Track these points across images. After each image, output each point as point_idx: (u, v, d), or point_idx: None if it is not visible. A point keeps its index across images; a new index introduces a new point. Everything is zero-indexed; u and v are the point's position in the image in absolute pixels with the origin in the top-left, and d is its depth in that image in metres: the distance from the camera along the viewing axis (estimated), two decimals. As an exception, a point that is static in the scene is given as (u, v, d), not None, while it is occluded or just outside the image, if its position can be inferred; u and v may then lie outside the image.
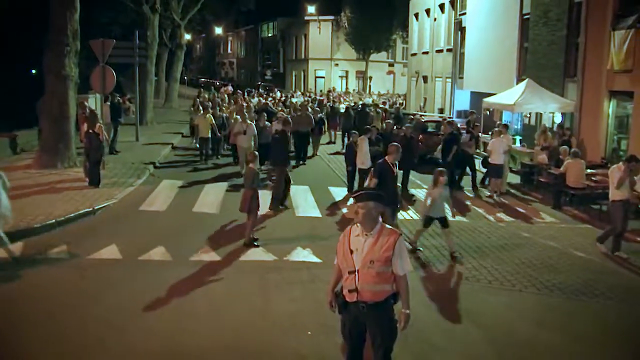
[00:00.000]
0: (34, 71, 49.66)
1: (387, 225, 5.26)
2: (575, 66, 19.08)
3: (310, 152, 21.62)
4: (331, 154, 22.81)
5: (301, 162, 20.09)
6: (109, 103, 20.77)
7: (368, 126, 16.90)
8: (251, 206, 10.59)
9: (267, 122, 18.37)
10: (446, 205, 10.51)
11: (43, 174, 15.48)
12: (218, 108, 22.06)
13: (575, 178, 14.17)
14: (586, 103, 18.27)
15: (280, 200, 13.42)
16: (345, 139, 22.67)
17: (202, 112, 19.85)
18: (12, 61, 54.22)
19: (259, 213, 11.13)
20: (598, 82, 17.54)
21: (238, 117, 18.30)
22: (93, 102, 22.44)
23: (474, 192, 16.20)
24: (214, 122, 19.44)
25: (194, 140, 22.13)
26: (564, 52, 19.80)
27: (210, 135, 19.40)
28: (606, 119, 17.55)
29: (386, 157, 10.35)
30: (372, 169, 10.54)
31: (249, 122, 17.48)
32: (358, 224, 5.17)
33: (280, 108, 26.76)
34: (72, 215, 11.83)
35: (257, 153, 11.78)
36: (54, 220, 11.31)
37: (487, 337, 7.38)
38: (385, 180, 10.01)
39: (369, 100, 38.32)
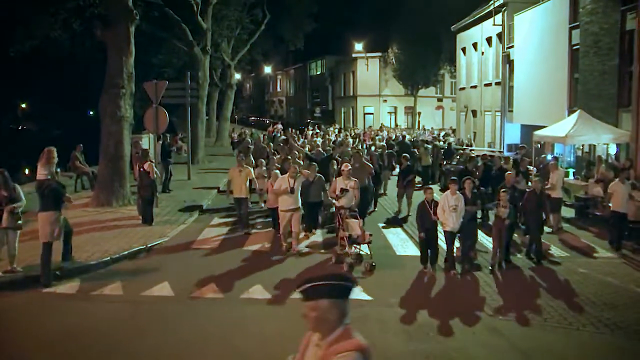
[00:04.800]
0: (91, 112, 51.81)
1: (354, 336, 3.62)
2: (629, 95, 18.61)
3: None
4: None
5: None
6: (160, 142, 21.30)
7: (464, 176, 12.99)
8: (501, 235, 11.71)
9: (318, 175, 14.14)
10: None
11: (99, 212, 15.95)
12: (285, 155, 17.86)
13: (634, 211, 13.69)
14: (642, 133, 17.71)
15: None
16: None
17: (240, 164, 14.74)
18: (72, 104, 56.65)
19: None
20: (654, 111, 17.02)
21: (276, 171, 14.27)
22: (146, 141, 23.07)
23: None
24: (253, 176, 14.72)
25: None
26: (616, 81, 19.35)
27: (247, 195, 14.66)
28: (664, 149, 16.98)
29: None
30: None
31: (298, 175, 13.08)
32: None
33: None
34: (126, 252, 12.12)
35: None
36: (109, 258, 11.62)
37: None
38: None
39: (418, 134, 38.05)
